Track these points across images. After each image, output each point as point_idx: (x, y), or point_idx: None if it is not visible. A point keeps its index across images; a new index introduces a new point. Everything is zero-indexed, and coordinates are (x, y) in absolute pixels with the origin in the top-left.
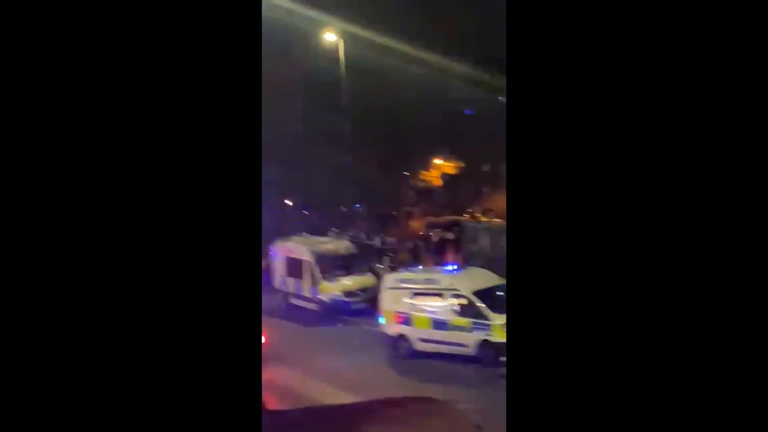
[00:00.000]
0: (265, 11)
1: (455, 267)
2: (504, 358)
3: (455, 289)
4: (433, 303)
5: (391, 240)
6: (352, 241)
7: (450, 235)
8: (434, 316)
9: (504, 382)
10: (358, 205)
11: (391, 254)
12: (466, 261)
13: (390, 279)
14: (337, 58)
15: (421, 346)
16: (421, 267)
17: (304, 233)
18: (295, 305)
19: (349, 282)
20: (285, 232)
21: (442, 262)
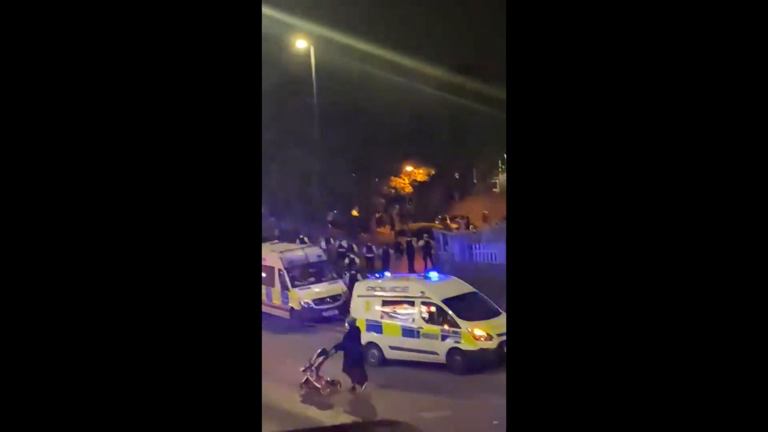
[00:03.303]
0: None
1: (437, 274)
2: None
3: (425, 297)
4: (403, 311)
5: (361, 247)
6: (323, 248)
7: (421, 242)
8: (404, 324)
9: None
10: (335, 212)
11: (355, 257)
12: (434, 268)
13: (360, 286)
14: (309, 64)
15: (391, 354)
16: (389, 274)
17: (274, 240)
18: (266, 313)
19: (319, 289)
20: None
21: (424, 269)
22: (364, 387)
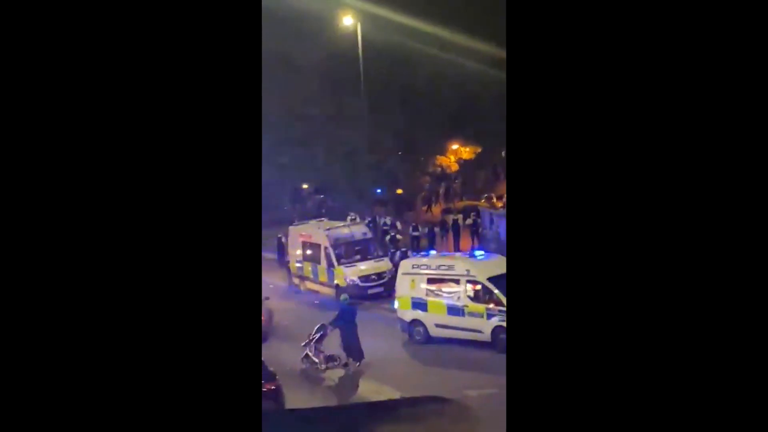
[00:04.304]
0: None
1: (483, 253)
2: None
3: (471, 275)
4: (448, 289)
5: (406, 225)
6: (369, 226)
7: (468, 221)
8: (449, 302)
9: None
10: (379, 190)
11: (397, 235)
12: (480, 246)
13: (406, 264)
14: (355, 41)
15: (436, 332)
16: (435, 252)
17: (321, 218)
18: (311, 289)
19: (364, 267)
20: (301, 215)
21: (470, 248)
22: (359, 365)
